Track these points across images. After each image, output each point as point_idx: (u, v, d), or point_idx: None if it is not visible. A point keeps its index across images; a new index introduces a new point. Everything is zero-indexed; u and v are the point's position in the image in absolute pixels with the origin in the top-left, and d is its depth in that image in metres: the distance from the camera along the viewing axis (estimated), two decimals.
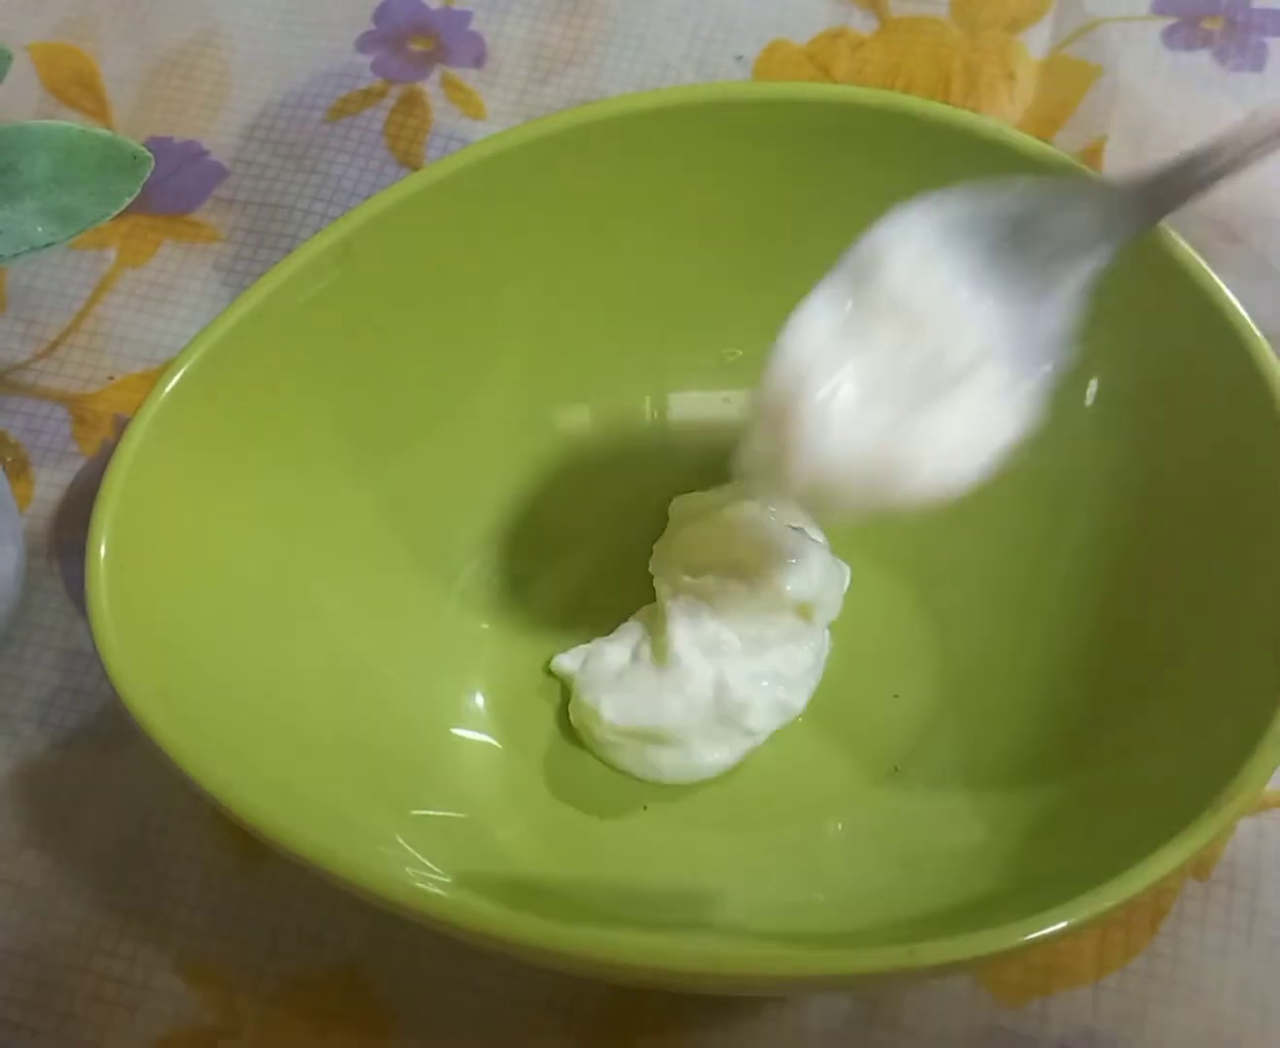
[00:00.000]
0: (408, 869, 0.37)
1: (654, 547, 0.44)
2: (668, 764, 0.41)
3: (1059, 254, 0.37)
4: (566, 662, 0.42)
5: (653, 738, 0.40)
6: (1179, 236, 0.39)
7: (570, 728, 0.42)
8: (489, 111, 0.54)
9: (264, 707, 0.39)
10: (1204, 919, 0.39)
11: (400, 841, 0.38)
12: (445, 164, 0.42)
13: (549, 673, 0.43)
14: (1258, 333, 0.38)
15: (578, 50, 0.56)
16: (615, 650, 0.42)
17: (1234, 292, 0.39)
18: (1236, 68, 0.53)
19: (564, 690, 0.42)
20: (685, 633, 0.41)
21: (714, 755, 0.41)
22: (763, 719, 0.41)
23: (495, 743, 0.42)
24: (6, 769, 0.43)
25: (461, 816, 0.40)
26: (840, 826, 0.40)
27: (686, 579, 0.42)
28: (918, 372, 0.36)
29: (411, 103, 0.55)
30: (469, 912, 0.34)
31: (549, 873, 0.39)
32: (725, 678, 0.40)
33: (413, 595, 0.43)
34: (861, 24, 0.55)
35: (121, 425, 0.46)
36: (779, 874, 0.40)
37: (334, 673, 0.41)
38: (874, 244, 0.37)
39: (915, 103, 0.43)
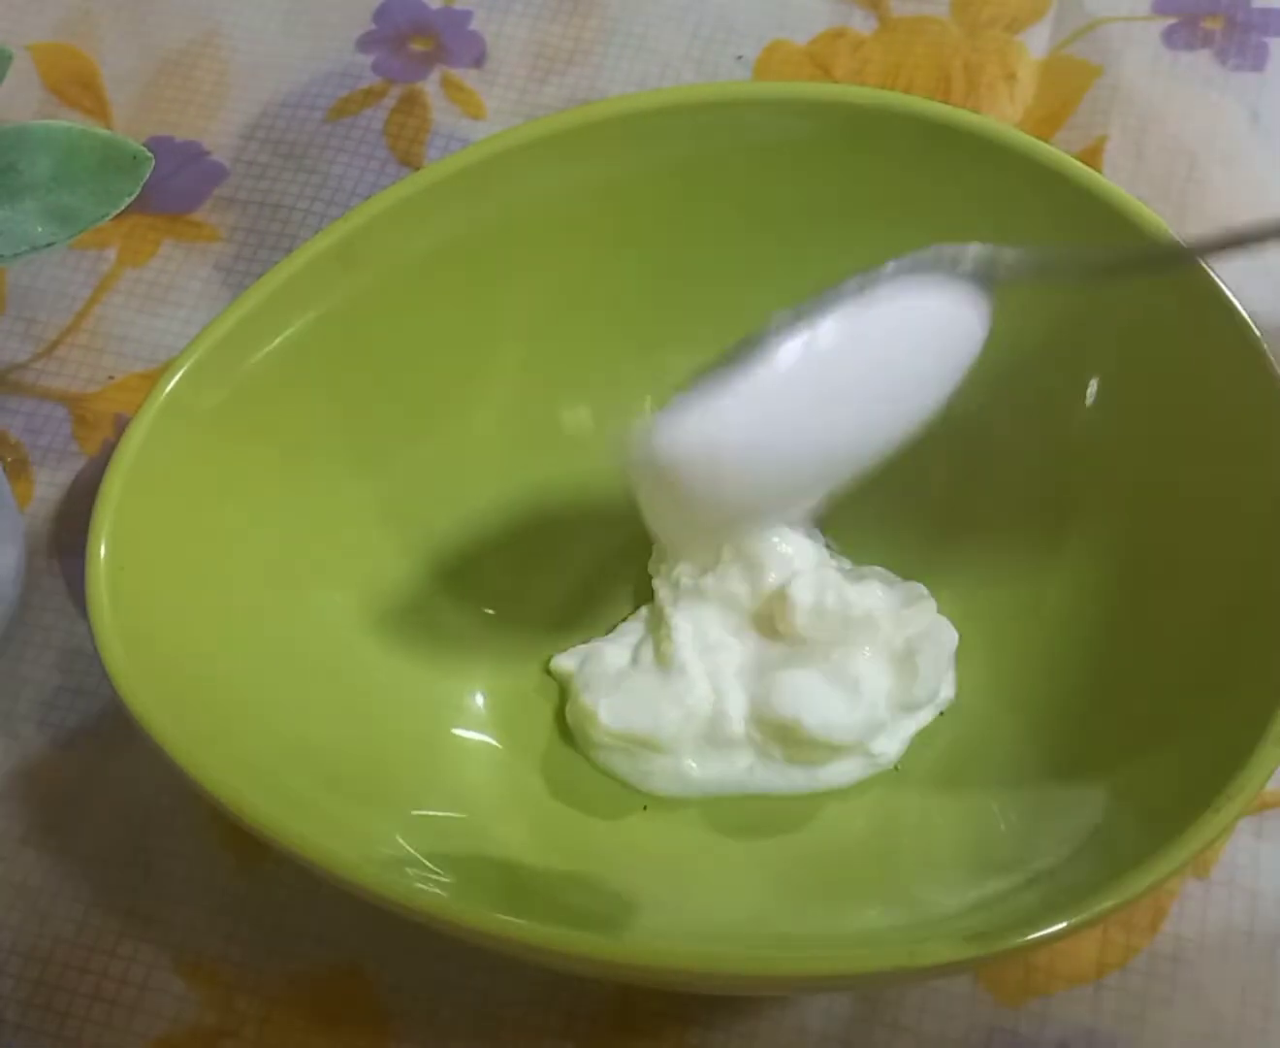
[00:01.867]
0: (408, 869, 0.37)
1: (654, 547, 0.44)
2: (658, 772, 0.40)
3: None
4: (565, 662, 0.42)
5: (647, 744, 0.40)
6: (1179, 237, 0.40)
7: (569, 728, 0.42)
8: (489, 111, 0.54)
9: (264, 706, 0.39)
10: (1204, 919, 0.39)
11: (400, 840, 0.38)
12: (445, 164, 0.42)
13: (548, 673, 0.43)
14: (1258, 333, 0.38)
15: (578, 50, 0.56)
16: (614, 652, 0.42)
17: (1234, 292, 0.39)
18: (1236, 68, 0.53)
19: (563, 691, 0.42)
20: (690, 640, 0.41)
21: (703, 772, 0.40)
22: (754, 769, 0.41)
23: (495, 743, 0.42)
24: (6, 769, 0.43)
25: (461, 816, 0.40)
26: (841, 825, 0.40)
27: (686, 580, 0.42)
28: None
29: (411, 103, 0.55)
30: (469, 912, 0.34)
31: (549, 873, 0.39)
32: (726, 709, 0.40)
33: (412, 595, 0.43)
34: (861, 24, 0.55)
35: (121, 425, 0.46)
36: (779, 874, 0.40)
37: (334, 673, 0.41)
38: None
39: (915, 103, 0.43)
